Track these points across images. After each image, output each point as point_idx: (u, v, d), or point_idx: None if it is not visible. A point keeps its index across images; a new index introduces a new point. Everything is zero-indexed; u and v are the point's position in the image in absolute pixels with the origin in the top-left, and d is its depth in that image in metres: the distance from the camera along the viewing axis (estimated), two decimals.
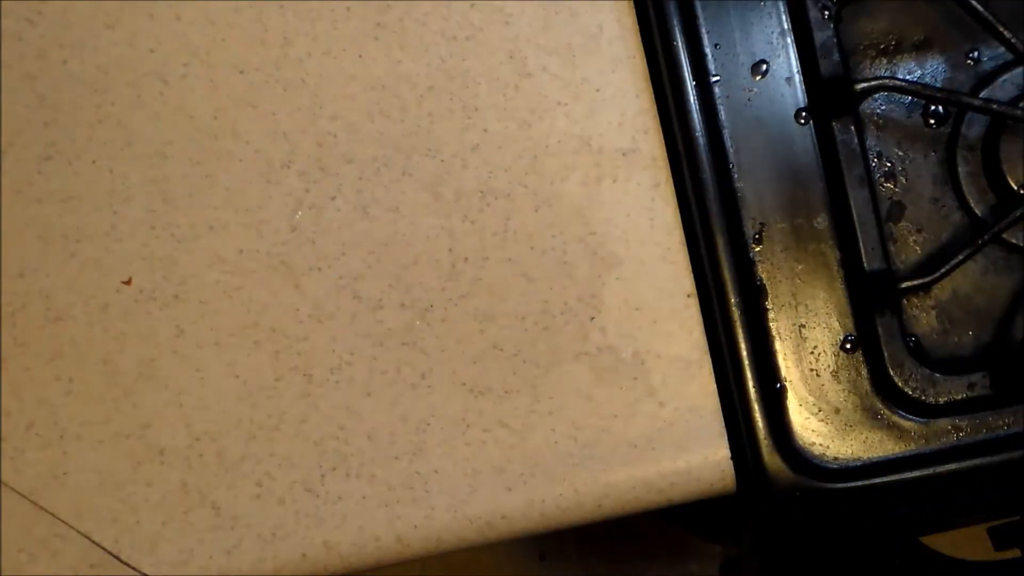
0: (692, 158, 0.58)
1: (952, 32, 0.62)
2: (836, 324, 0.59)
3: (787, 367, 0.58)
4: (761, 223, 0.58)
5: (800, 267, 0.59)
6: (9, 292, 0.54)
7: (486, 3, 0.58)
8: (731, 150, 0.58)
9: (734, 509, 0.60)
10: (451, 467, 0.56)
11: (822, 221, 0.59)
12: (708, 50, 0.59)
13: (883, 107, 0.61)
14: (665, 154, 0.59)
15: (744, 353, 0.58)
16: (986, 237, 0.59)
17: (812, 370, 0.58)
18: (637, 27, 0.59)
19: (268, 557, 0.54)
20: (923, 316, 0.61)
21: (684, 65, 0.58)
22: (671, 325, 0.58)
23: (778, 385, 0.58)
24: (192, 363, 0.55)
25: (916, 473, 0.57)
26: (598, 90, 0.59)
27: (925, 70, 0.62)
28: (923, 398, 0.58)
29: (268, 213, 0.56)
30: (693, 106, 0.58)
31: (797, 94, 0.59)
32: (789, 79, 0.59)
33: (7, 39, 0.54)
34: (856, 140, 0.59)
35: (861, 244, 0.58)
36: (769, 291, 0.58)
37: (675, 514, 0.64)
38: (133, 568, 0.54)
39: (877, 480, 0.57)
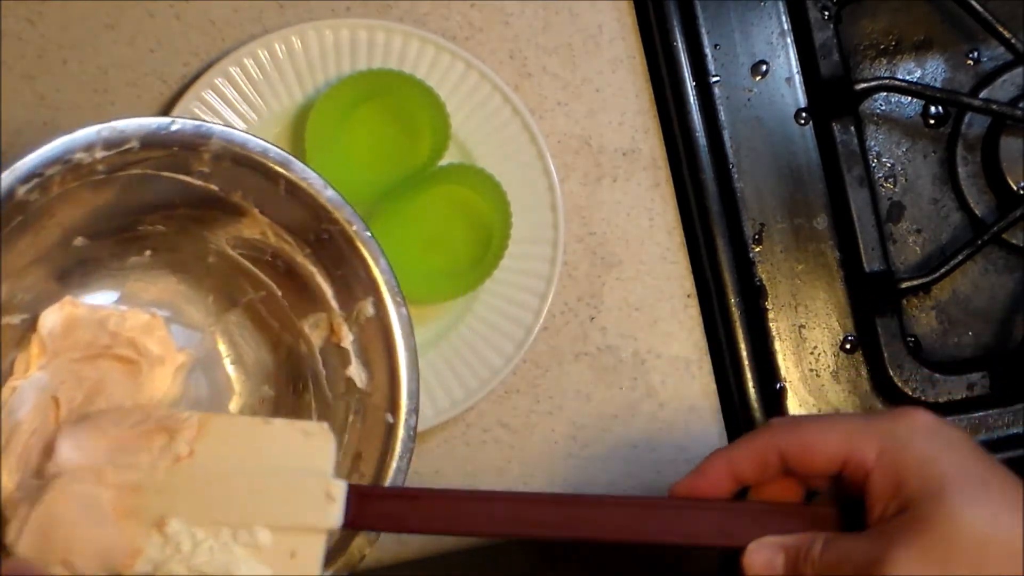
0: (692, 158, 0.58)
1: (952, 32, 0.62)
2: (836, 324, 0.59)
3: (787, 367, 0.58)
4: (761, 223, 0.58)
5: (800, 267, 0.59)
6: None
7: (486, 3, 0.58)
8: (731, 150, 0.58)
9: None
10: (451, 467, 0.56)
11: (822, 221, 0.59)
12: (708, 50, 0.59)
13: (883, 107, 0.61)
14: (665, 154, 0.59)
15: (744, 353, 0.58)
16: (986, 237, 0.59)
17: (812, 370, 0.58)
18: (637, 27, 0.59)
19: None
20: (923, 316, 0.61)
21: (684, 65, 0.58)
22: (671, 325, 0.58)
23: (778, 385, 0.58)
24: None
25: None
26: (598, 90, 0.59)
27: (925, 70, 0.62)
28: (923, 398, 0.58)
29: None
30: (693, 106, 0.58)
31: (797, 94, 0.59)
32: (789, 79, 0.59)
33: (7, 39, 0.54)
34: (856, 140, 0.59)
35: (861, 244, 0.58)
36: (769, 291, 0.58)
37: None
38: None
39: None
